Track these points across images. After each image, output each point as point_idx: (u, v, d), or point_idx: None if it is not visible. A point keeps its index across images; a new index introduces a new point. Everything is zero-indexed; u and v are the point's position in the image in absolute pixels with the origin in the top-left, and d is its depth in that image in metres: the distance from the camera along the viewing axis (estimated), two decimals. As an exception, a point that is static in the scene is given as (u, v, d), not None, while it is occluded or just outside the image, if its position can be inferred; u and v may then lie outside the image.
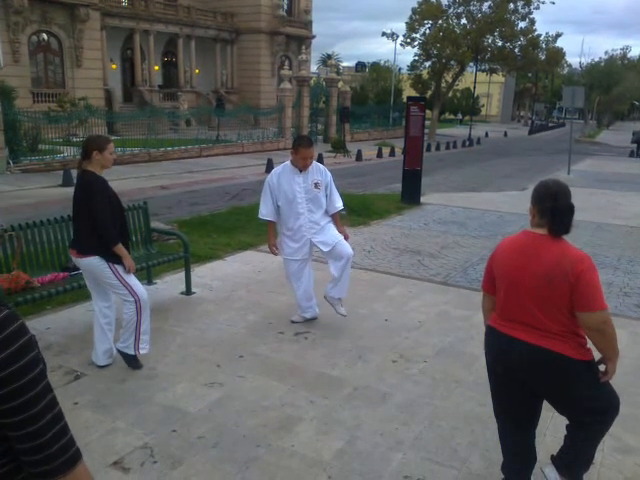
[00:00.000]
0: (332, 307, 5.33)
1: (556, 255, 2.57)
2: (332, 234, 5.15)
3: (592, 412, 2.70)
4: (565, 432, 2.92)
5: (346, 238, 5.26)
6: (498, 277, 2.82)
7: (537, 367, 2.65)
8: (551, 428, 3.59)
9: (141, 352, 4.33)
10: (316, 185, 5.09)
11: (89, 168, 4.06)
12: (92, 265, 4.15)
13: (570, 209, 2.61)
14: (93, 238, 4.08)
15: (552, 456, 2.99)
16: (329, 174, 5.25)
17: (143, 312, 4.27)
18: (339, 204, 5.31)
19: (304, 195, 5.06)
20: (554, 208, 2.59)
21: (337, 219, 5.34)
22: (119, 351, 4.37)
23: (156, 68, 36.55)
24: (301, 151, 4.97)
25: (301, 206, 5.07)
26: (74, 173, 14.81)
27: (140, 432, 3.56)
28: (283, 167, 5.16)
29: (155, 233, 6.88)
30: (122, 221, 4.29)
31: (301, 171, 5.06)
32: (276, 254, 5.32)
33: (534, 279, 2.61)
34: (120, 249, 4.11)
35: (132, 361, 4.35)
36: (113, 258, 4.13)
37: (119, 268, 4.17)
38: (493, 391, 2.94)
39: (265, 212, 5.15)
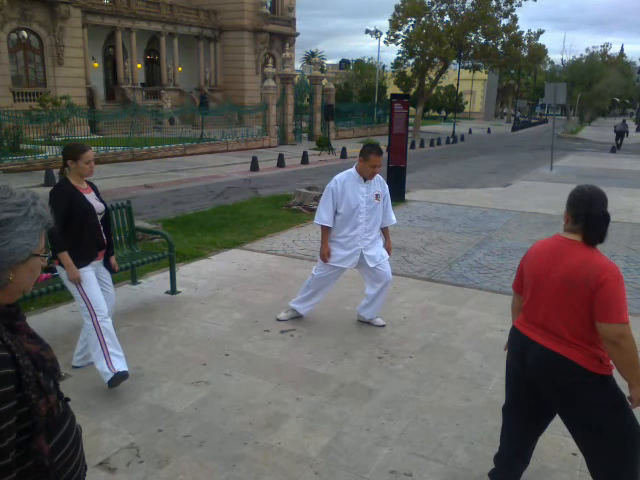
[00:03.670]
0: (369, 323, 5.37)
1: (581, 260, 2.50)
2: (380, 252, 5.20)
3: (607, 438, 2.53)
4: None
5: (389, 253, 5.32)
6: (526, 279, 2.80)
7: (549, 373, 2.60)
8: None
9: (117, 369, 3.96)
10: (377, 197, 5.10)
11: (67, 176, 4.05)
12: (60, 273, 4.09)
13: (605, 217, 2.50)
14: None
15: None
16: (387, 186, 5.28)
17: (102, 329, 3.99)
18: (394, 217, 5.40)
19: (366, 205, 5.05)
20: (588, 215, 2.50)
21: (387, 233, 5.42)
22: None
23: (139, 66, 36.24)
24: (372, 159, 4.91)
25: (361, 216, 5.06)
26: (56, 173, 14.71)
27: (126, 432, 3.56)
28: (347, 174, 5.09)
29: (139, 232, 6.85)
30: (96, 230, 4.13)
31: (365, 180, 5.04)
32: (327, 262, 5.18)
33: (556, 283, 2.55)
34: (64, 257, 3.91)
35: (110, 382, 3.96)
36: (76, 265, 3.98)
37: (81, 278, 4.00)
38: (507, 385, 2.95)
39: (326, 218, 5.08)
